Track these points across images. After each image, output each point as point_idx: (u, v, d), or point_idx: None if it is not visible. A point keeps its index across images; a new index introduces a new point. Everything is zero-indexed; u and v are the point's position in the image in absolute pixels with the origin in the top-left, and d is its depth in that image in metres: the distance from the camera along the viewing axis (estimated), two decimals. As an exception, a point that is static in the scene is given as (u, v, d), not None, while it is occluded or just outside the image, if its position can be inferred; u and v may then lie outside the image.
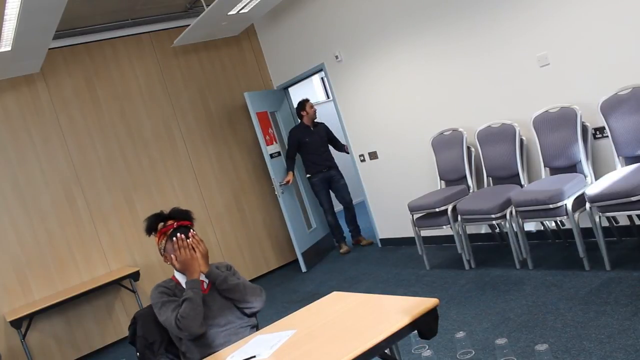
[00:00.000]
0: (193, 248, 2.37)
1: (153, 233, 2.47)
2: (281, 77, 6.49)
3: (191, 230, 2.42)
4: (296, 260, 6.46)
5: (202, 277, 2.39)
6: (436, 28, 4.62)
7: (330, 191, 6.21)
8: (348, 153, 6.05)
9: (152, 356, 2.34)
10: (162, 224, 2.46)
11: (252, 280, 4.95)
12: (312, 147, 6.04)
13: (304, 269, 5.92)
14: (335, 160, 6.25)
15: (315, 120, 6.14)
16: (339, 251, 6.18)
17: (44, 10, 3.67)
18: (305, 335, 1.99)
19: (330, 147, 6.27)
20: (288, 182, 6.01)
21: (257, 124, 5.97)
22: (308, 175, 6.16)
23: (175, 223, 2.44)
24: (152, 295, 2.36)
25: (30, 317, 4.70)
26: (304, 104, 6.08)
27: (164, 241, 2.43)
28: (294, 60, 6.22)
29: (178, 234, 2.37)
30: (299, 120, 6.18)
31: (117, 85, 5.69)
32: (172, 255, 2.38)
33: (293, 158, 6.11)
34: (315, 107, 6.20)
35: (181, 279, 2.42)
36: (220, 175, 6.16)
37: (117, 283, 5.07)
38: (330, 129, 6.34)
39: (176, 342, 2.35)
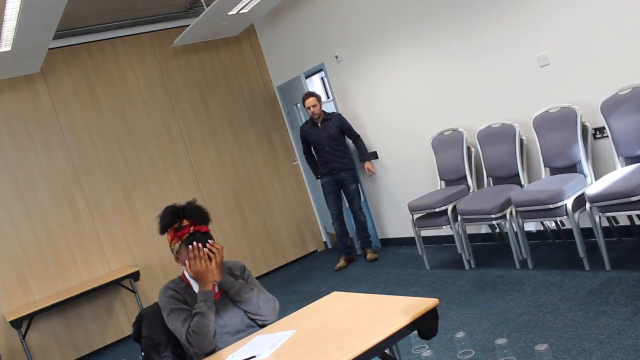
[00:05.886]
0: (209, 257, 2.26)
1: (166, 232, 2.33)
2: (281, 77, 6.49)
3: (209, 241, 2.27)
4: (296, 261, 6.46)
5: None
6: (436, 28, 4.61)
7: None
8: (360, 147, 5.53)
9: (158, 357, 2.28)
10: (177, 222, 2.30)
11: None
12: (317, 146, 5.54)
13: None
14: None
15: (329, 112, 5.57)
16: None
17: (44, 10, 3.67)
18: (305, 335, 1.99)
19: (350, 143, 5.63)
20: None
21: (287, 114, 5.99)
22: (318, 176, 5.72)
23: (192, 227, 2.28)
24: (161, 298, 2.28)
25: (30, 317, 4.70)
26: (303, 98, 5.49)
27: (177, 244, 2.30)
28: (294, 60, 6.22)
29: (194, 243, 2.23)
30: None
31: (117, 85, 5.69)
32: (185, 261, 2.28)
33: (310, 156, 5.68)
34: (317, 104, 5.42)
35: (192, 281, 2.34)
36: (220, 174, 6.15)
37: (117, 283, 5.06)
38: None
39: (184, 346, 2.29)
